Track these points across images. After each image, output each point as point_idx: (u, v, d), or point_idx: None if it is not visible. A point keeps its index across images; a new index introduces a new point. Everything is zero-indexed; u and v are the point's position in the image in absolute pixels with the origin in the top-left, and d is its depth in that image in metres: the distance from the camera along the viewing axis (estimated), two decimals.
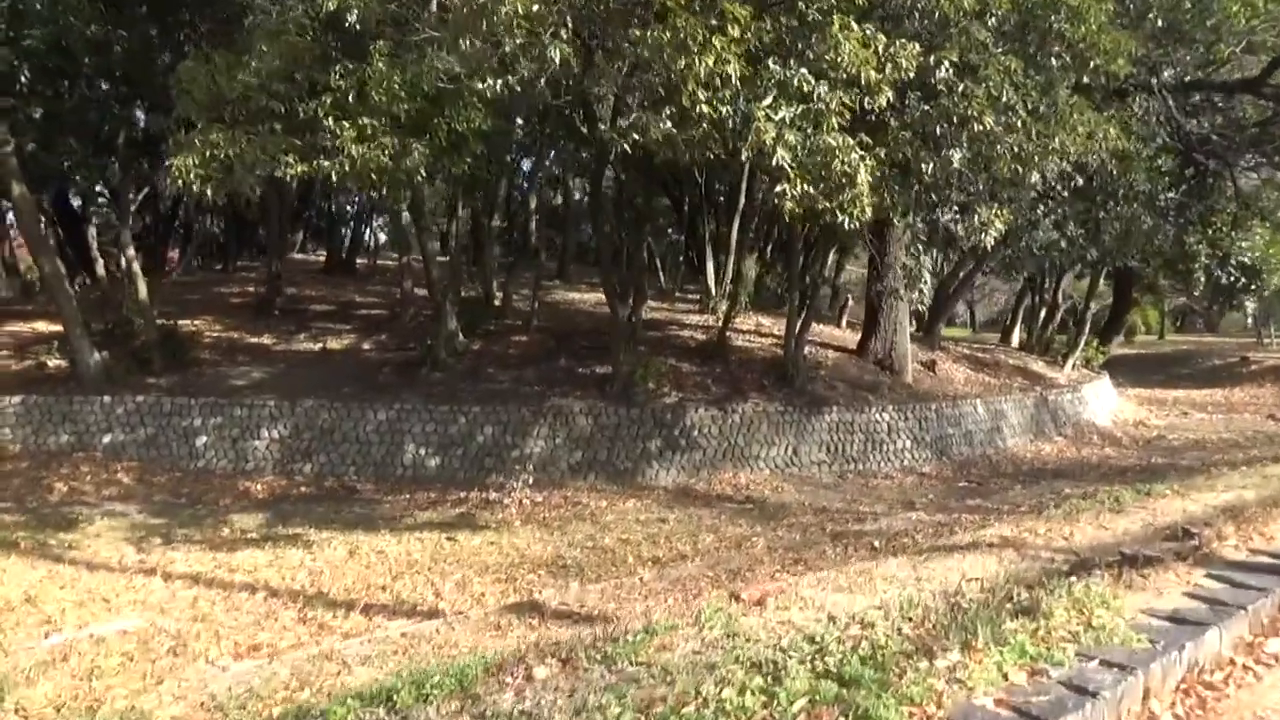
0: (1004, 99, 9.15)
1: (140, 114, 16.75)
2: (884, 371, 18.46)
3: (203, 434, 15.36)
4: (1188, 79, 15.74)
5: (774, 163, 8.31)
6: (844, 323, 23.32)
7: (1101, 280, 31.23)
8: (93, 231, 24.59)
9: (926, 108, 9.43)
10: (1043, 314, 32.74)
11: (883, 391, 17.43)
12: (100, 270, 22.68)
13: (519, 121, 15.26)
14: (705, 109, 8.31)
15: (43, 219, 30.10)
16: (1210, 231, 25.35)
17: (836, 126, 8.45)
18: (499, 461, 14.68)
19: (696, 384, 16.52)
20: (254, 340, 19.79)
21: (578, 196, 34.19)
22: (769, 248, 27.28)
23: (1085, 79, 10.65)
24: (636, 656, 4.12)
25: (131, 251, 17.67)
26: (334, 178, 9.37)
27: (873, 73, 8.63)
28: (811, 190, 8.84)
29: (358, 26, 9.88)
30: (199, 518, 12.73)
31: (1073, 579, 5.09)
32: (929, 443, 16.69)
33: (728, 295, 19.06)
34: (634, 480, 14.62)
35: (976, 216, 9.83)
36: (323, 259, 31.97)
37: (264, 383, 16.99)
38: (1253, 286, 25.76)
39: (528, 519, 12.52)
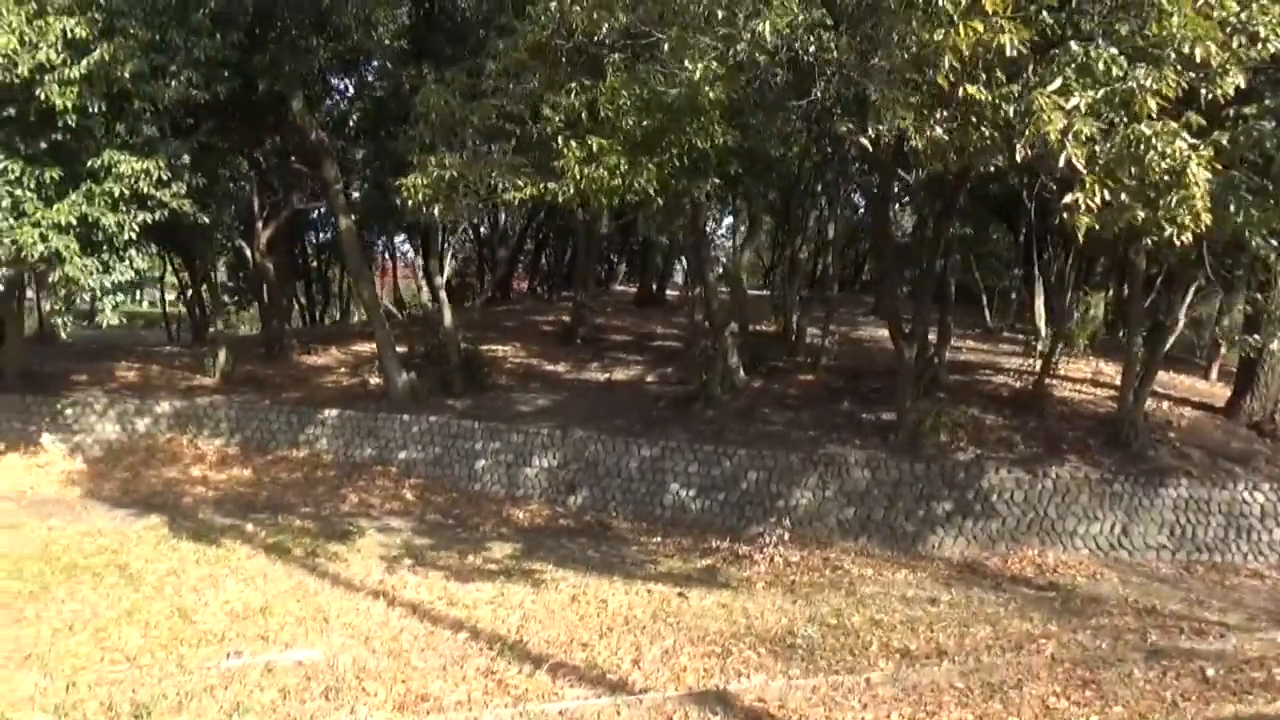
0: None
1: None
2: (1261, 438, 14.54)
3: (482, 457, 15.78)
4: None
5: (1061, 162, 6.40)
6: (1213, 375, 19.05)
7: None
8: (415, 263, 26.88)
9: None
10: None
11: (1257, 463, 13.68)
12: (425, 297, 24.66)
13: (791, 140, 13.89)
14: (972, 93, 6.61)
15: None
16: None
17: (1155, 110, 6.33)
18: (761, 510, 13.44)
19: (1001, 439, 14.06)
20: (550, 368, 20.32)
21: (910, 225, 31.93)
22: (1124, 284, 23.34)
23: None
24: None
25: (440, 280, 18.85)
26: (560, 199, 8.83)
27: (1214, 48, 6.40)
28: (1121, 198, 6.76)
29: (606, 42, 9.40)
30: (458, 540, 12.90)
31: None
32: None
33: (1051, 337, 16.21)
34: (912, 547, 12.64)
35: None
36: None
37: (546, 410, 17.20)
38: None
39: (774, 580, 11.14)
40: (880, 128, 7.20)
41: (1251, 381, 15.02)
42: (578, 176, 8.60)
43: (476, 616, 9.29)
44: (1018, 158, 6.62)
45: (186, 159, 14.36)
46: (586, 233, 23.94)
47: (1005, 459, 13.44)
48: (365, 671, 7.45)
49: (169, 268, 32.56)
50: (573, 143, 8.74)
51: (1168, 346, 15.07)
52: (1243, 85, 6.63)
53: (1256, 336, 9.09)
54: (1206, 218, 6.30)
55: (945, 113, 7.62)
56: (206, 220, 14.99)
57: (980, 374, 17.66)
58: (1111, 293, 23.63)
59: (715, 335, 16.61)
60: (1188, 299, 15.02)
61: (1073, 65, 6.83)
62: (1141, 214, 6.69)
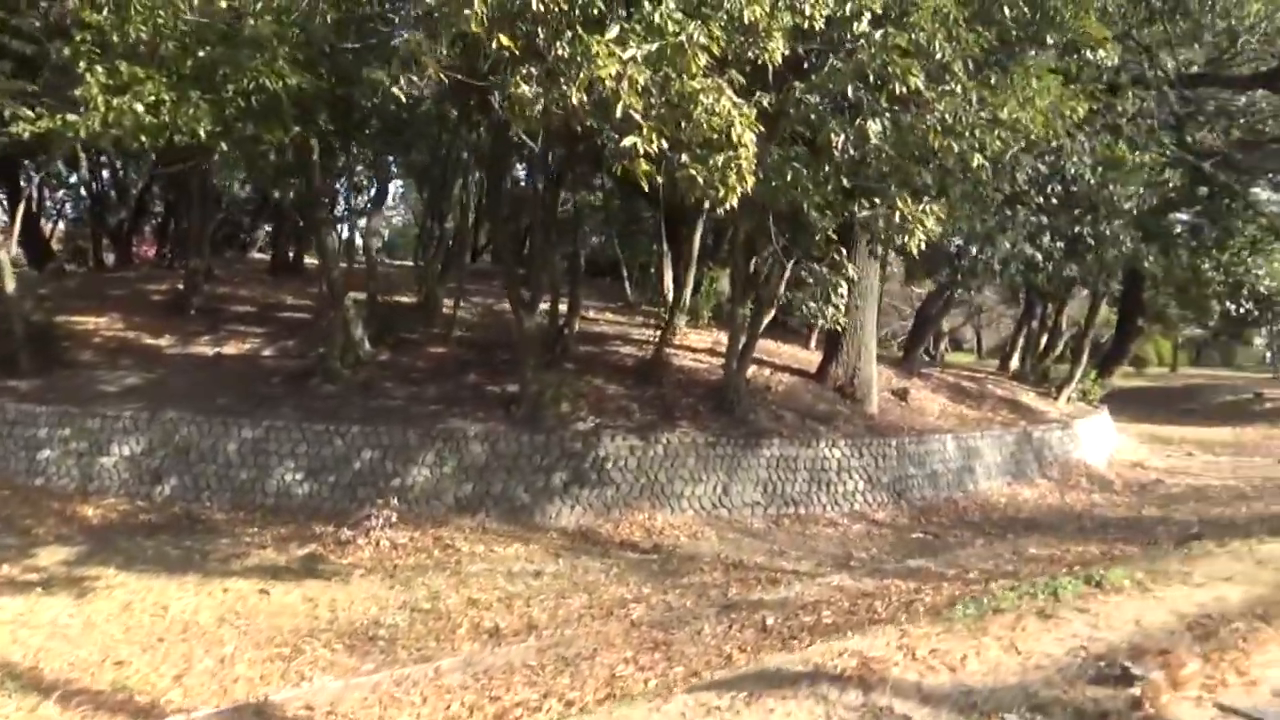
0: (937, 54, 7.06)
1: None
2: (844, 400, 16.28)
3: (47, 446, 13.37)
4: (1194, 70, 13.52)
5: (619, 112, 6.24)
6: (813, 343, 21.15)
7: (1107, 306, 29.00)
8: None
9: (836, 62, 7.34)
10: (1043, 341, 30.51)
11: (838, 423, 15.25)
12: None
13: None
14: (507, 43, 6.29)
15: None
16: (1226, 257, 23.19)
17: (704, 67, 6.37)
18: (374, 492, 12.57)
19: (620, 408, 14.40)
20: (150, 341, 17.80)
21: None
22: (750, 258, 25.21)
23: (1051, 42, 8.50)
24: None
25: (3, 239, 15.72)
26: (82, 134, 7.35)
27: (759, 10, 6.59)
28: (682, 157, 6.79)
29: None
30: (1, 549, 10.71)
31: None
32: (885, 484, 14.48)
33: (669, 308, 16.95)
34: (529, 519, 12.50)
35: (899, 212, 7.67)
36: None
37: (137, 389, 15.00)
38: (1267, 317, 23.46)
39: (376, 566, 10.41)
40: (412, 78, 6.64)
41: (836, 350, 16.73)
42: (103, 108, 7.19)
43: None
44: (574, 103, 6.33)
45: None
46: (201, 189, 21.33)
47: (622, 427, 13.74)
48: None
49: None
50: (98, 68, 7.30)
51: (771, 317, 16.30)
52: (786, 52, 6.88)
53: (811, 305, 9.75)
54: (751, 180, 6.47)
55: (533, 69, 7.30)
56: None
57: (611, 345, 18.08)
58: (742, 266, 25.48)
59: (337, 305, 15.40)
60: (787, 273, 16.30)
61: (640, 20, 6.76)
62: (697, 174, 6.73)
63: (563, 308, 17.77)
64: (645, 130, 6.21)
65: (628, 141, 6.26)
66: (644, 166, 6.40)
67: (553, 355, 16.14)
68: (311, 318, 20.23)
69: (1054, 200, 11.88)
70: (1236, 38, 12.63)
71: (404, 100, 7.27)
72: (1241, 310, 23.21)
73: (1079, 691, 4.11)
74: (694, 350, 17.70)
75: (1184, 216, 24.12)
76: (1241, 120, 20.41)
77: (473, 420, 13.59)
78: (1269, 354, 50.51)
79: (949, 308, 23.03)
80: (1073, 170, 10.81)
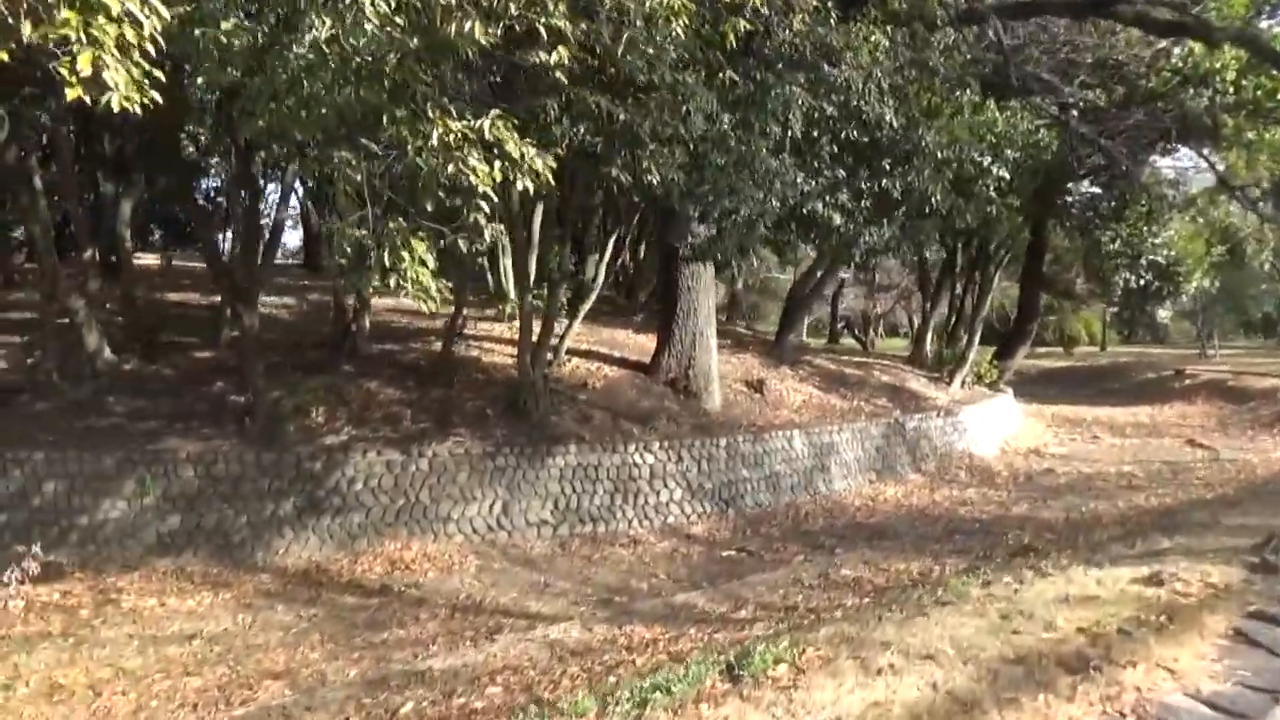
0: None
1: None
2: (676, 395, 14.12)
3: None
4: None
5: None
6: None
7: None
8: None
9: None
10: (951, 321, 28.68)
11: (658, 423, 13.05)
12: None
13: None
14: None
15: None
16: (1125, 228, 21.55)
17: None
18: (57, 532, 10.14)
19: (388, 416, 12.08)
20: None
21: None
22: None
23: None
24: None
25: None
26: None
27: None
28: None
29: None
30: None
31: None
32: (710, 491, 12.34)
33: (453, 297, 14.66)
34: (249, 558, 10.13)
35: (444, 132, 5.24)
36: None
37: None
38: (1167, 290, 21.82)
39: None
40: None
41: (669, 337, 14.58)
42: None
43: None
44: None
45: None
46: None
47: (382, 439, 11.44)
48: None
49: None
50: None
51: (590, 303, 14.14)
52: None
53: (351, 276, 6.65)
54: (101, 66, 3.92)
55: None
56: None
57: (423, 341, 15.72)
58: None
59: (60, 305, 12.89)
60: (606, 255, 14.14)
61: None
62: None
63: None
64: None
65: None
66: None
67: (338, 355, 13.83)
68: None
69: (849, 147, 9.66)
70: None
71: None
72: (1141, 283, 21.50)
73: None
74: (509, 343, 15.41)
75: (1091, 187, 22.47)
76: (1128, 72, 18.75)
77: (195, 438, 11.17)
78: (1195, 329, 49.42)
79: (824, 287, 21.09)
80: (873, 113, 8.70)
